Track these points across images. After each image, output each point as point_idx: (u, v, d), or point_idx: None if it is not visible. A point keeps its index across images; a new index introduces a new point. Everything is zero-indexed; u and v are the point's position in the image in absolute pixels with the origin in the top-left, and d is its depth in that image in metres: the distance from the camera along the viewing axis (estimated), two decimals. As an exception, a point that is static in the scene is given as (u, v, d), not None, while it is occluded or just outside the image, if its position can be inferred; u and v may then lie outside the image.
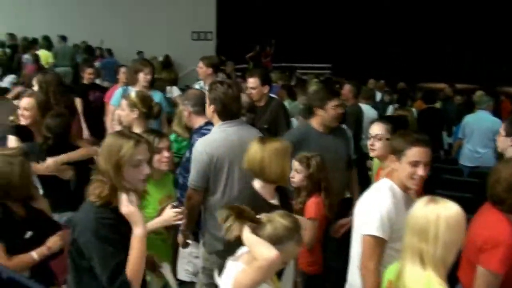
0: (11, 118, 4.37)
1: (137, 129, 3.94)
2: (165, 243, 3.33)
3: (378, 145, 3.60)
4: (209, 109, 3.55)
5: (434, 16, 17.08)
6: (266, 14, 16.73)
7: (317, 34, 17.04)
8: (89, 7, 15.57)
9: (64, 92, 4.60)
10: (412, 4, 17.22)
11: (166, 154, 3.23)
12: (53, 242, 2.93)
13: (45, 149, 4.02)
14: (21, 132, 4.14)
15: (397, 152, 2.80)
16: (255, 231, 2.35)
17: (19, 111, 4.17)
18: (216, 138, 3.48)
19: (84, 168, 3.59)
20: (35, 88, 4.88)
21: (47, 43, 13.23)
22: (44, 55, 11.86)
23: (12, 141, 4.07)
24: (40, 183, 3.95)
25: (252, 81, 4.97)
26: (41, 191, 3.84)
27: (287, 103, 6.88)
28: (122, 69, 7.15)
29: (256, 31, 16.16)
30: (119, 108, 4.16)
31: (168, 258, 3.34)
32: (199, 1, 15.80)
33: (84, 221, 2.30)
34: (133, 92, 4.24)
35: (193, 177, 3.46)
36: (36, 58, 10.92)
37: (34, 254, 2.87)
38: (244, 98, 4.24)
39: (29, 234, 2.90)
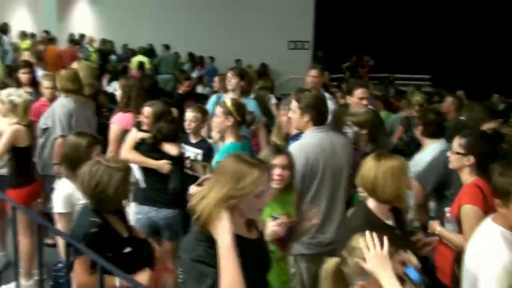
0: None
1: (229, 137, 4.05)
2: (280, 264, 3.04)
3: (452, 158, 3.40)
4: (302, 119, 3.51)
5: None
6: (364, 23, 16.51)
7: (416, 44, 16.56)
8: (193, 19, 16.27)
9: (145, 96, 4.84)
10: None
11: (277, 171, 3.02)
12: (141, 279, 2.84)
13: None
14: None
15: (504, 195, 2.42)
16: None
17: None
18: (310, 142, 3.47)
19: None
20: (118, 92, 5.14)
21: (150, 51, 13.98)
22: (140, 61, 12.39)
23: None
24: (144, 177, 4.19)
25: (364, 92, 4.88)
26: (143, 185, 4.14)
27: (383, 114, 6.74)
28: (216, 78, 7.38)
29: (353, 41, 16.01)
30: (214, 116, 4.28)
31: (285, 280, 3.13)
32: (297, 11, 15.92)
33: (184, 242, 2.27)
34: (228, 100, 4.31)
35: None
36: (141, 65, 11.49)
37: (117, 283, 2.79)
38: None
39: (128, 249, 2.92)
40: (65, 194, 3.37)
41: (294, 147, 3.45)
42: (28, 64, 6.42)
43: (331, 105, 5.44)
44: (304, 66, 15.65)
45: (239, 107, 4.11)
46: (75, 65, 6.52)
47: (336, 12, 16.01)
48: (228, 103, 4.14)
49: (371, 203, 2.77)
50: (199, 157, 4.36)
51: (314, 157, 3.40)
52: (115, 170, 2.85)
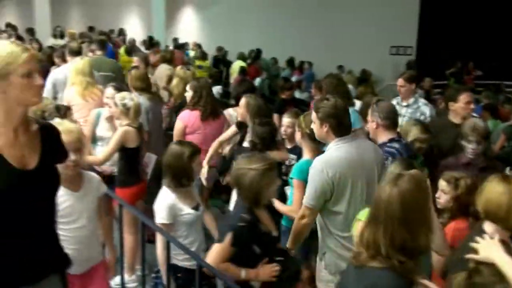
0: None
1: (306, 152, 3.99)
2: None
3: None
4: (322, 129, 3.33)
5: None
6: (470, 28, 15.72)
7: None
8: (293, 24, 16.41)
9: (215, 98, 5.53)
10: None
11: None
12: (264, 273, 2.92)
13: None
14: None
15: None
16: None
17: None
18: (335, 156, 3.28)
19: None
20: (189, 93, 5.31)
21: (255, 56, 14.56)
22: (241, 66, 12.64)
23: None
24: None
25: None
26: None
27: (491, 123, 6.41)
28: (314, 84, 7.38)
29: (459, 46, 15.30)
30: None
31: None
32: (401, 15, 15.47)
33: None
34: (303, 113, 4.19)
35: (310, 196, 3.27)
36: (242, 70, 11.74)
37: (243, 273, 2.89)
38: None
39: (258, 250, 2.94)
40: (168, 204, 3.41)
41: (317, 163, 3.29)
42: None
43: (427, 110, 5.34)
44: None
45: (309, 120, 3.72)
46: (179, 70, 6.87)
47: (442, 16, 15.36)
48: (301, 117, 4.01)
49: (489, 227, 2.58)
50: (293, 163, 4.33)
51: (341, 171, 3.22)
52: (263, 171, 2.91)
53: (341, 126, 3.30)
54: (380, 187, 2.08)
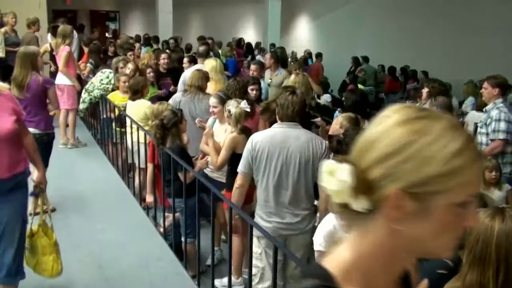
0: None
1: None
2: None
3: None
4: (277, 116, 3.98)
5: None
6: None
7: None
8: (413, 34, 15.90)
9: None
10: None
11: None
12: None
13: None
14: None
15: None
16: None
17: None
18: (265, 133, 3.99)
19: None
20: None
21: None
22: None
23: None
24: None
25: None
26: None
27: None
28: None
29: None
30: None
31: None
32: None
33: None
34: None
35: (241, 164, 3.99)
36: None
37: None
38: None
39: None
40: (327, 231, 3.09)
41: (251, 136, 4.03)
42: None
43: (495, 114, 5.29)
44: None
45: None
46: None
47: None
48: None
49: None
50: None
51: (261, 145, 3.84)
52: None
53: (283, 114, 3.89)
54: (482, 223, 1.75)
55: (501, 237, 1.67)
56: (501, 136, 5.19)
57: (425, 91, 6.03)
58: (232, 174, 4.75)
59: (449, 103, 5.27)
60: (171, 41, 13.61)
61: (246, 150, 3.92)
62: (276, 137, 3.85)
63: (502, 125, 5.22)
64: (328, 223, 3.05)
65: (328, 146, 3.91)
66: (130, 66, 7.68)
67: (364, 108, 5.61)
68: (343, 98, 8.99)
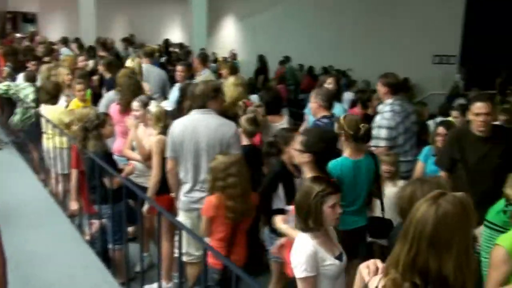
0: None
1: (346, 151, 3.97)
2: None
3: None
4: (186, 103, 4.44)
5: None
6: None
7: None
8: (333, 32, 16.39)
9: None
10: None
11: None
12: None
13: None
14: None
15: None
16: None
17: None
18: (183, 120, 4.28)
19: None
20: None
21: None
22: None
23: None
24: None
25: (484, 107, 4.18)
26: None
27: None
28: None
29: (504, 56, 14.90)
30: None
31: None
32: (444, 23, 15.21)
33: None
34: (342, 116, 4.19)
35: (168, 148, 4.27)
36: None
37: None
38: None
39: None
40: (308, 254, 2.79)
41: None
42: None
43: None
44: (449, 82, 15.03)
45: (350, 122, 3.96)
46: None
47: (486, 25, 15.00)
48: (342, 119, 4.05)
49: None
50: None
51: (177, 131, 4.19)
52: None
53: (194, 103, 4.29)
54: (418, 204, 1.89)
55: (426, 216, 1.81)
56: (382, 143, 5.10)
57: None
58: (161, 178, 4.73)
59: (331, 93, 5.22)
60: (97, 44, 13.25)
61: (169, 136, 4.27)
62: (190, 123, 4.19)
63: (383, 133, 5.11)
64: (305, 246, 2.81)
65: (236, 131, 4.28)
66: (63, 71, 7.34)
67: (278, 107, 5.73)
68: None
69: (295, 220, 2.97)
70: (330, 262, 2.84)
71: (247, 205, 3.71)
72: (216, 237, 3.71)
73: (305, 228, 2.84)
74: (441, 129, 5.00)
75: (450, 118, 6.05)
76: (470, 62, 15.43)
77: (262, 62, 15.99)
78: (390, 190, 4.72)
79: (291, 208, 3.21)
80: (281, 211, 3.73)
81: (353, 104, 7.85)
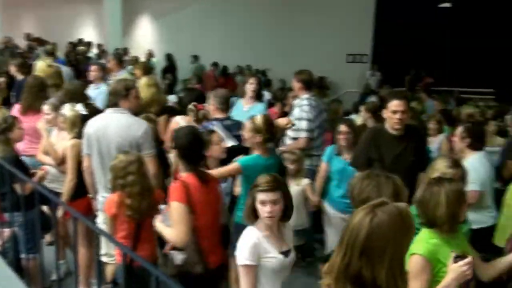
0: None
1: (258, 150, 4.10)
2: None
3: None
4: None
5: None
6: (426, 36, 16.15)
7: (480, 57, 16.00)
8: (250, 32, 16.57)
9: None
10: None
11: None
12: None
13: None
14: None
15: None
16: None
17: None
18: (95, 118, 4.26)
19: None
20: None
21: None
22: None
23: None
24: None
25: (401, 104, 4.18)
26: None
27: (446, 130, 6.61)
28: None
29: (414, 54, 15.70)
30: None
31: None
32: (356, 24, 15.78)
33: None
34: (259, 116, 4.20)
35: (83, 145, 4.26)
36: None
37: None
38: None
39: None
40: (250, 244, 2.92)
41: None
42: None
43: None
44: (362, 80, 15.62)
45: (269, 125, 4.08)
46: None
47: (395, 25, 15.75)
48: (259, 120, 4.10)
49: None
50: None
51: (90, 129, 4.20)
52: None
53: (111, 102, 4.28)
54: (356, 211, 1.93)
55: (353, 228, 1.85)
56: (303, 134, 5.31)
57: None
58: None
59: (226, 94, 5.20)
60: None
61: (84, 134, 4.26)
62: (102, 121, 4.18)
63: (304, 124, 5.30)
64: (250, 237, 2.93)
65: (146, 130, 4.21)
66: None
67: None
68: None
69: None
70: (273, 255, 2.95)
71: (147, 203, 3.71)
72: (120, 235, 3.70)
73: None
74: (342, 127, 4.91)
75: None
76: (381, 61, 16.14)
77: (170, 61, 16.12)
78: (293, 189, 4.69)
79: (164, 207, 3.50)
80: None
81: (270, 104, 7.96)
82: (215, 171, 3.99)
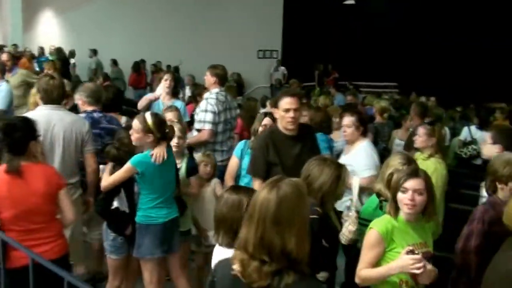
0: None
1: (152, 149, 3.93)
2: None
3: None
4: (36, 97, 4.37)
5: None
6: (333, 32, 16.63)
7: (383, 52, 16.72)
8: (160, 29, 16.30)
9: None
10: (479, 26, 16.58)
11: (409, 196, 2.92)
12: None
13: None
14: None
15: None
16: None
17: None
18: (32, 114, 4.06)
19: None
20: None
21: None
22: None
23: None
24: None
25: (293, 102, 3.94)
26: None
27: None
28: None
29: (320, 49, 16.11)
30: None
31: None
32: (266, 21, 15.94)
33: None
34: (149, 116, 3.89)
35: None
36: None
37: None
38: None
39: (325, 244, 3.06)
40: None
41: None
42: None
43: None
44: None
45: (160, 124, 3.83)
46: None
47: (303, 21, 16.10)
48: (149, 119, 3.84)
49: None
50: None
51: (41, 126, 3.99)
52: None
53: (48, 99, 4.22)
54: (260, 190, 2.08)
55: (268, 199, 1.99)
56: (207, 126, 5.26)
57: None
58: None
59: (93, 89, 5.07)
60: None
61: None
62: (42, 118, 4.01)
63: (209, 116, 5.27)
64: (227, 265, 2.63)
65: (89, 128, 4.32)
66: None
67: (120, 105, 5.50)
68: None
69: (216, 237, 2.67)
70: None
71: None
72: None
73: (232, 242, 2.43)
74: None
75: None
76: (290, 56, 16.42)
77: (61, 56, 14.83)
78: (206, 190, 4.54)
79: None
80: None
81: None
82: (111, 178, 3.84)
